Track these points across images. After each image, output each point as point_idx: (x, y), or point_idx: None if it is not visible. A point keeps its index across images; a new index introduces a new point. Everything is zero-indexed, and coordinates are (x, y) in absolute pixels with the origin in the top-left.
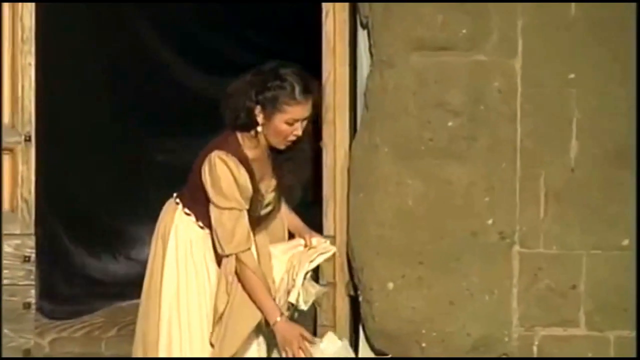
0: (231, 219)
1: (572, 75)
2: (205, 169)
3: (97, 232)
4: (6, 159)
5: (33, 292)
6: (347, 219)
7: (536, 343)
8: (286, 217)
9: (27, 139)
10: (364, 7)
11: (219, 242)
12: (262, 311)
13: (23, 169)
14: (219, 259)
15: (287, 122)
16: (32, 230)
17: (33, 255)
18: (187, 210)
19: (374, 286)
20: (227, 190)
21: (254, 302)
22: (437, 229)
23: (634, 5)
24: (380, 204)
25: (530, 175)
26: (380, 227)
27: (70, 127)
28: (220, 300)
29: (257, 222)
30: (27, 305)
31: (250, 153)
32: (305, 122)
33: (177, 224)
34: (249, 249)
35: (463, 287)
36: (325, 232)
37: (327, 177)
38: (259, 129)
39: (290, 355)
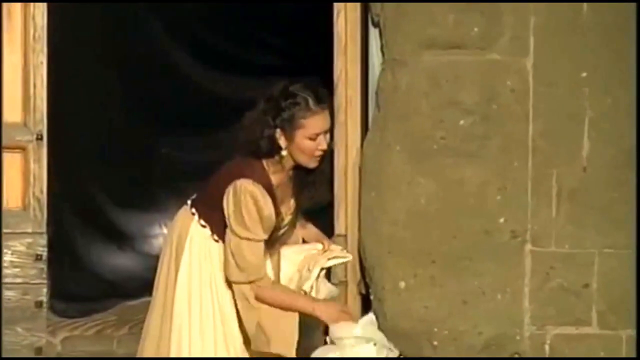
0: (249, 249)
1: (584, 74)
2: (229, 195)
3: (109, 229)
4: (18, 158)
5: (45, 290)
6: (358, 218)
7: (548, 342)
8: (302, 227)
9: (39, 138)
10: (375, 6)
11: (230, 268)
12: (298, 312)
13: (35, 167)
14: None
15: (310, 137)
16: (44, 228)
17: (45, 254)
18: (202, 222)
19: (385, 285)
20: (249, 222)
21: (287, 310)
22: (449, 228)
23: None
24: (392, 203)
25: (543, 174)
26: (392, 226)
27: (82, 125)
28: (248, 317)
29: (272, 239)
30: (39, 304)
31: (274, 178)
32: (327, 136)
33: (192, 235)
34: (263, 277)
35: (475, 286)
36: (337, 231)
37: (338, 176)
38: (284, 153)
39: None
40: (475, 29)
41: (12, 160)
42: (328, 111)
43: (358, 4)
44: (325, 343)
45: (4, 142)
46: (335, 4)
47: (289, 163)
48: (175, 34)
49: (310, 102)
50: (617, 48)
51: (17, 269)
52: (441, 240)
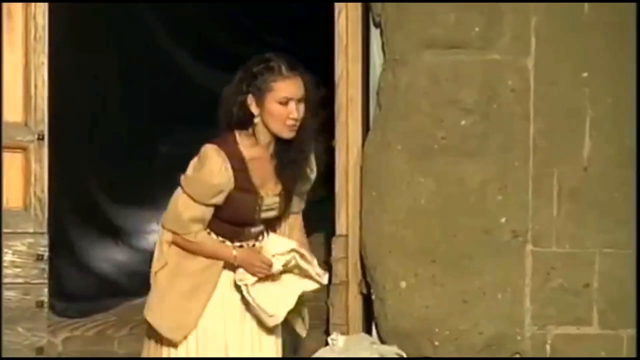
0: (185, 204)
1: (585, 74)
2: (195, 159)
3: (108, 228)
4: (19, 158)
5: (46, 290)
6: (359, 218)
7: (549, 342)
8: (291, 226)
9: (40, 138)
10: (376, 6)
11: (165, 213)
12: (220, 258)
13: (36, 167)
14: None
15: (279, 101)
16: (45, 228)
17: (46, 254)
18: None
19: (386, 285)
20: (195, 181)
21: (210, 257)
22: (450, 228)
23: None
24: (393, 203)
25: (543, 174)
26: (393, 226)
27: (82, 124)
28: (156, 260)
29: (254, 218)
30: (40, 304)
31: (247, 152)
32: (301, 106)
33: None
34: (190, 233)
35: (476, 286)
36: (338, 230)
37: (339, 175)
38: (256, 120)
39: (254, 275)
40: (476, 29)
41: (13, 160)
42: (302, 81)
43: (359, 4)
44: (327, 344)
45: (5, 142)
46: (337, 4)
47: (263, 135)
48: (176, 33)
49: (283, 67)
50: (618, 48)
51: (18, 269)
52: (442, 240)
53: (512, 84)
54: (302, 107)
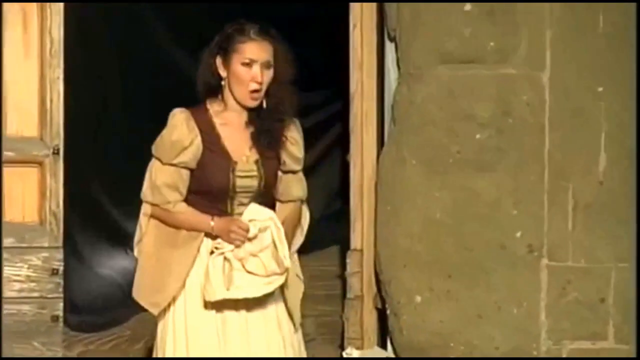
0: (157, 171)
1: (600, 89)
2: None
3: (120, 239)
4: (34, 172)
5: (61, 305)
6: (374, 232)
7: (564, 356)
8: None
9: (56, 152)
10: (391, 20)
11: (143, 187)
12: (198, 229)
13: (51, 182)
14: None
15: (243, 62)
16: (60, 243)
17: (61, 268)
18: None
19: (401, 299)
20: (160, 142)
21: (189, 229)
22: (465, 242)
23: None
24: (408, 217)
25: (559, 188)
26: (408, 240)
27: (96, 139)
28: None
29: (235, 196)
30: (55, 318)
31: (218, 117)
32: (267, 73)
33: None
34: (169, 202)
35: (491, 300)
36: (352, 245)
37: (354, 189)
38: (223, 83)
39: (231, 243)
40: (491, 43)
41: (28, 175)
42: (271, 47)
43: (374, 17)
44: (342, 358)
45: (21, 157)
46: (352, 17)
47: (229, 99)
48: (194, 49)
49: (252, 31)
50: (634, 62)
51: (34, 283)
52: (457, 254)
53: (527, 98)
54: (268, 73)
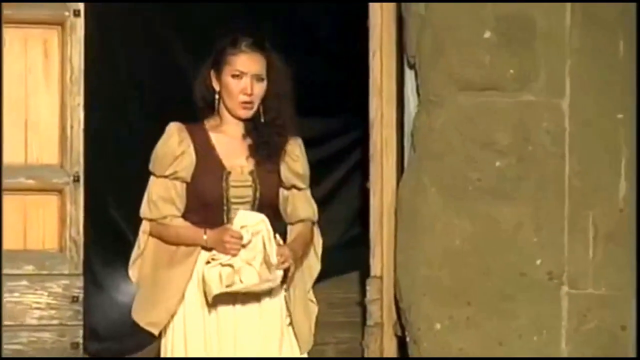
0: (153, 185)
1: (620, 115)
2: None
3: None
4: (54, 200)
5: (81, 332)
6: (394, 259)
7: None
8: (292, 238)
9: (76, 179)
10: (411, 47)
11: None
12: (192, 243)
13: (71, 209)
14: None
15: (233, 74)
16: (80, 270)
17: (81, 296)
18: None
19: (421, 326)
20: (155, 153)
21: (187, 244)
22: (485, 269)
23: None
24: (428, 244)
25: (579, 215)
26: (427, 267)
27: (117, 165)
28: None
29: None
30: (75, 345)
31: (213, 130)
32: (259, 86)
33: None
34: (166, 217)
35: (512, 328)
36: (372, 272)
37: (374, 217)
38: (216, 96)
39: (227, 253)
40: (511, 71)
41: (49, 202)
42: (264, 59)
43: (393, 44)
44: None
45: (41, 184)
46: (371, 44)
47: (224, 113)
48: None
49: (243, 43)
50: None
51: (54, 311)
52: (477, 282)
53: (547, 125)
54: (260, 85)
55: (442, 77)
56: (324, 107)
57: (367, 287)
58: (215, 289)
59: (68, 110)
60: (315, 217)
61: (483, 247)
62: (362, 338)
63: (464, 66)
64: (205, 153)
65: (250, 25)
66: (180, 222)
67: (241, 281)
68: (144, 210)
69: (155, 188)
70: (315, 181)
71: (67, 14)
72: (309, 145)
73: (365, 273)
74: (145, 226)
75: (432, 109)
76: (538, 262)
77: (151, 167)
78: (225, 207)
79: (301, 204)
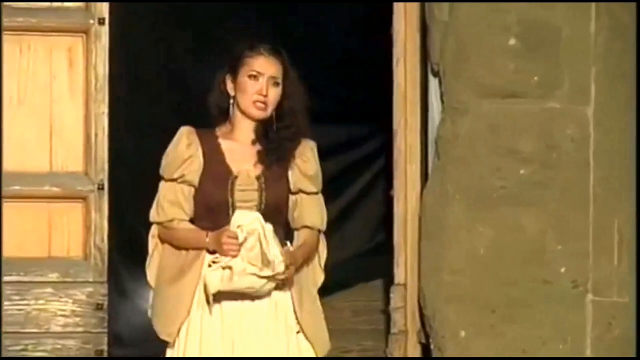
0: (163, 189)
1: None
2: None
3: None
4: (79, 208)
5: (106, 339)
6: (418, 267)
7: None
8: (298, 245)
9: (101, 187)
10: (435, 55)
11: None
12: (196, 246)
13: (96, 217)
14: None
15: (250, 74)
16: (105, 278)
17: (106, 303)
18: None
19: (446, 334)
20: (165, 159)
21: (192, 248)
22: (509, 277)
23: None
24: (452, 252)
25: (604, 223)
26: (452, 275)
27: (142, 173)
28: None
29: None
30: (99, 353)
31: (225, 137)
32: (275, 90)
33: None
34: (173, 220)
35: (536, 336)
36: (396, 280)
37: (398, 225)
38: (231, 101)
39: (228, 255)
40: (535, 78)
41: (73, 210)
42: (280, 65)
43: (418, 52)
44: None
45: (66, 192)
46: (395, 52)
47: (237, 118)
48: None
49: (263, 47)
50: None
51: (78, 318)
52: (501, 290)
53: (572, 132)
54: (275, 90)
55: (466, 85)
56: (347, 115)
57: (392, 295)
58: (214, 289)
59: (93, 118)
60: (323, 226)
61: (507, 255)
62: (386, 346)
63: (488, 73)
64: (214, 158)
65: (271, 34)
66: (187, 225)
67: (240, 281)
68: (153, 214)
69: (163, 192)
70: (339, 189)
71: (92, 22)
72: (332, 153)
73: (389, 281)
74: (154, 230)
75: (456, 117)
76: (562, 270)
77: (161, 170)
78: (231, 212)
79: (308, 210)
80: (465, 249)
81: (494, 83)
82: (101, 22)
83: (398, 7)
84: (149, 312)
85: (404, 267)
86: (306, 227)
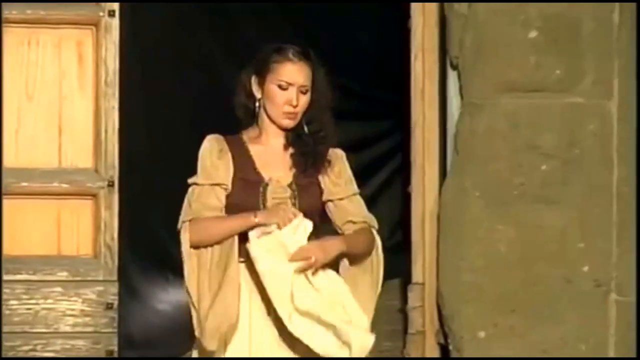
0: (192, 193)
1: None
2: None
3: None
4: (89, 205)
5: (116, 339)
6: (436, 266)
7: None
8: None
9: (110, 184)
10: (453, 47)
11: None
12: (239, 228)
13: (106, 214)
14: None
15: (279, 84)
16: (115, 276)
17: (116, 302)
18: None
19: (464, 335)
20: (198, 164)
21: (230, 235)
22: (529, 276)
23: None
24: (471, 250)
25: (627, 220)
26: (471, 274)
27: (153, 170)
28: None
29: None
30: (109, 353)
31: (251, 141)
32: (304, 98)
33: None
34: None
35: (557, 336)
36: (414, 278)
37: (415, 222)
38: (257, 104)
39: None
40: (557, 71)
41: (83, 207)
42: (309, 70)
43: (436, 46)
44: None
45: (75, 189)
46: (413, 46)
47: (265, 123)
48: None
49: (290, 51)
50: None
51: (88, 318)
52: (521, 289)
53: (594, 128)
54: (304, 97)
55: (486, 79)
56: (364, 111)
57: (409, 294)
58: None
59: (103, 114)
60: (372, 221)
61: (528, 254)
62: (404, 346)
63: (508, 67)
64: (243, 163)
65: (288, 30)
66: (218, 214)
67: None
68: (182, 218)
69: (197, 197)
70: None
71: (101, 14)
72: (348, 150)
73: (407, 279)
74: (186, 244)
75: (475, 112)
76: (585, 268)
77: (192, 179)
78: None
79: (350, 207)
80: (484, 247)
81: (514, 77)
82: (111, 14)
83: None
84: (196, 332)
85: (422, 266)
86: (350, 221)
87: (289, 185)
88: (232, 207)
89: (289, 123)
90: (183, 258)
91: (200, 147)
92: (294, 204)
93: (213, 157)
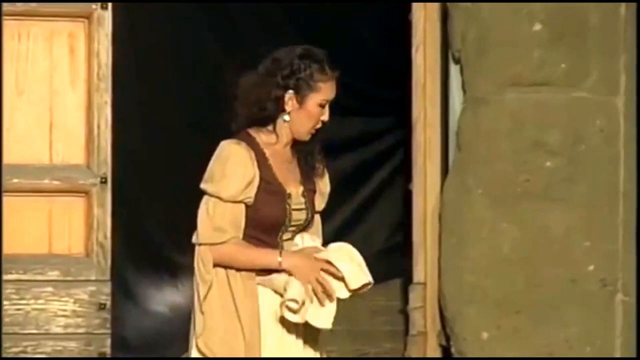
0: (215, 208)
1: None
2: (213, 160)
3: (174, 276)
4: (81, 202)
5: (109, 341)
6: (438, 266)
7: None
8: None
9: (103, 181)
10: (456, 41)
11: (197, 232)
12: (261, 266)
13: (98, 212)
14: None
15: (321, 103)
16: (107, 276)
17: (109, 303)
18: None
19: (467, 336)
20: (221, 178)
21: (252, 269)
22: (534, 276)
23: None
24: (474, 250)
25: (633, 219)
26: (473, 274)
27: (146, 166)
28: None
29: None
30: (102, 355)
31: (267, 149)
32: (327, 108)
33: None
34: (225, 241)
35: (562, 338)
36: (415, 278)
37: (417, 221)
38: (286, 117)
39: (314, 287)
40: (562, 66)
41: (75, 205)
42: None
43: (438, 38)
44: None
45: (67, 186)
46: (414, 39)
47: (286, 134)
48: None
49: (328, 68)
50: None
51: (80, 319)
52: (525, 289)
53: (601, 124)
54: (327, 109)
55: (489, 73)
56: (365, 108)
57: (410, 294)
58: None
59: (95, 108)
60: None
61: (532, 253)
62: (405, 348)
63: (512, 62)
64: (266, 173)
65: (288, 27)
66: (242, 242)
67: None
68: (205, 237)
69: (221, 213)
70: (355, 184)
71: (94, 6)
72: (348, 147)
73: (408, 279)
74: (206, 254)
75: (478, 107)
76: (590, 268)
77: (213, 189)
78: (282, 229)
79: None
80: (487, 246)
81: (518, 71)
82: (103, 6)
83: None
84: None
85: (423, 265)
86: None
87: (303, 195)
88: (260, 219)
89: (309, 137)
90: (199, 273)
91: (222, 154)
92: (307, 214)
93: (245, 170)
